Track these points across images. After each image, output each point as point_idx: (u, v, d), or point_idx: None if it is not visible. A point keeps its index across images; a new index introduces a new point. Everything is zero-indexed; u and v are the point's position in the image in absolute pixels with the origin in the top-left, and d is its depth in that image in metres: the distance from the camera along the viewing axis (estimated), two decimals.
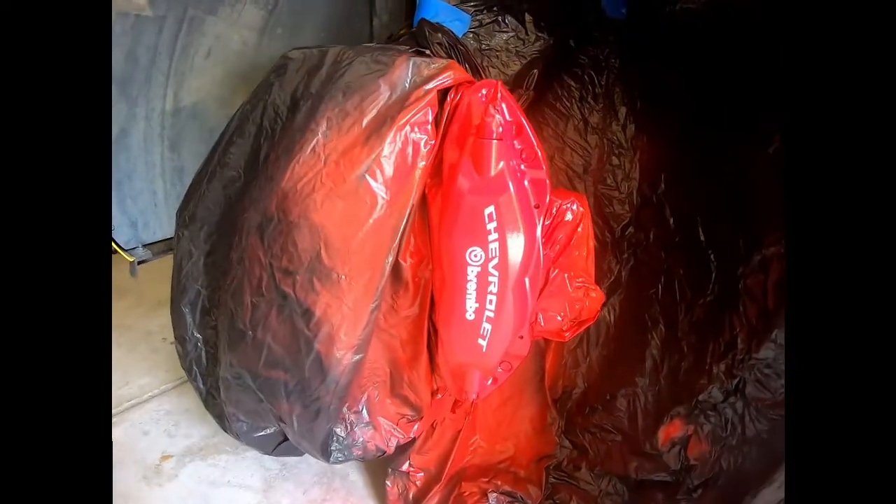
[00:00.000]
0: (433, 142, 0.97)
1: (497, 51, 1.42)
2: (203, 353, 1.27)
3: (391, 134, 0.94)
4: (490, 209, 0.93)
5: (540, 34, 1.41)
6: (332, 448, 1.12)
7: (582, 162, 1.45)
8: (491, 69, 1.43)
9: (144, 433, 1.54)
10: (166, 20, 1.28)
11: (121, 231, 1.46)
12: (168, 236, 1.54)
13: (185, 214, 1.24)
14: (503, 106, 0.92)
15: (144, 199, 1.50)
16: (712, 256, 1.18)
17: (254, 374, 1.07)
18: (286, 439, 1.30)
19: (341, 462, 1.16)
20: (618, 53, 1.40)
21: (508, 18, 1.40)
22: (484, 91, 0.94)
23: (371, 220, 0.97)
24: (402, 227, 0.97)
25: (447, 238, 0.99)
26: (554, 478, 1.37)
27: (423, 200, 1.04)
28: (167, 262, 1.29)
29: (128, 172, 1.44)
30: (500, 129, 0.91)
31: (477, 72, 1.13)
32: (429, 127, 0.97)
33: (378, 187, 0.97)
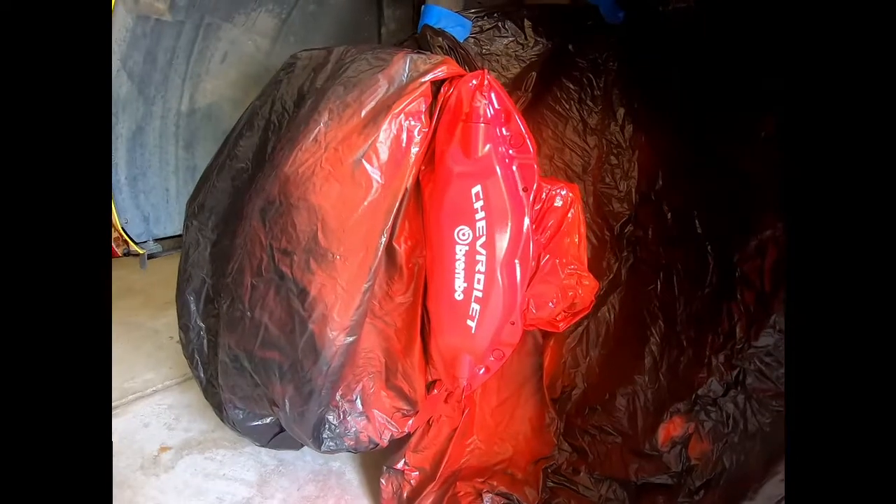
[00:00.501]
0: (426, 130, 1.02)
1: (497, 55, 1.47)
2: (205, 342, 1.29)
3: (387, 122, 0.99)
4: (477, 188, 0.96)
5: (539, 39, 1.47)
6: (323, 435, 1.12)
7: (581, 162, 1.47)
8: (491, 72, 1.47)
9: (145, 425, 1.55)
10: (185, 25, 1.37)
11: (133, 224, 1.52)
12: (178, 233, 1.60)
13: (195, 205, 1.29)
14: (491, 94, 0.96)
15: (157, 195, 1.56)
16: (710, 248, 1.17)
17: (250, 355, 1.09)
18: (282, 430, 1.30)
19: (332, 451, 1.15)
20: (616, 57, 1.44)
21: (508, 24, 1.46)
22: (474, 81, 0.98)
23: (366, 203, 1.00)
24: (395, 209, 1.00)
25: (436, 217, 1.02)
26: (553, 482, 1.33)
27: (418, 187, 1.07)
28: (176, 265, 1.32)
29: (143, 168, 1.50)
30: (488, 113, 0.95)
31: None
32: (422, 116, 1.01)
33: (373, 171, 1.00)
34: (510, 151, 0.99)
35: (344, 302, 1.00)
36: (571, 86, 1.47)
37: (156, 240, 1.57)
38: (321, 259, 1.00)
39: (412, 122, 1.00)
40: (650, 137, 1.38)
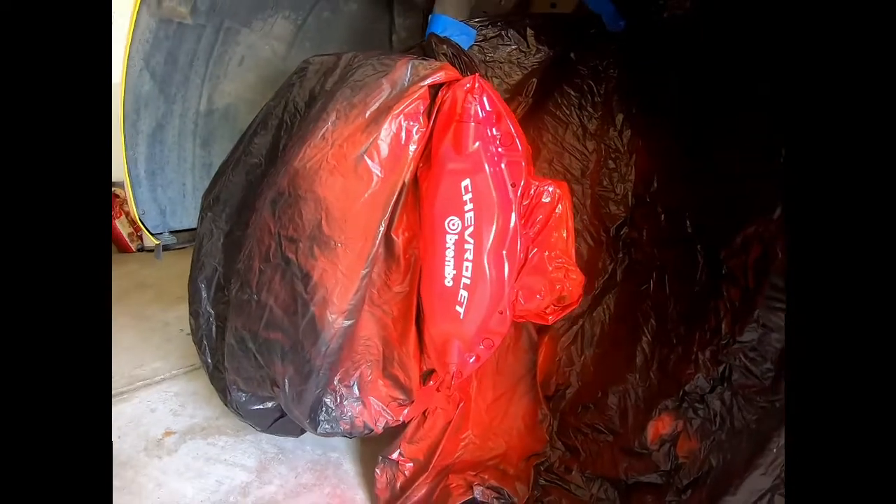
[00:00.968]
0: (424, 129, 1.09)
1: (500, 62, 1.53)
2: (214, 328, 1.35)
3: (388, 121, 1.06)
4: (466, 182, 1.03)
5: (541, 47, 1.52)
6: (320, 417, 1.16)
7: (580, 166, 1.51)
8: (494, 79, 1.53)
9: (151, 410, 1.61)
10: (205, 29, 1.46)
11: (150, 216, 1.59)
12: (193, 226, 1.67)
13: (210, 197, 1.36)
14: (483, 96, 1.03)
15: (174, 190, 1.64)
16: (699, 247, 1.20)
17: (255, 336, 1.14)
18: (282, 415, 1.35)
19: (328, 434, 1.19)
20: (616, 64, 1.49)
21: (511, 32, 1.52)
22: (468, 85, 1.06)
23: (367, 194, 1.06)
24: (393, 200, 1.06)
25: (429, 209, 1.08)
26: (545, 480, 1.35)
27: (416, 182, 1.13)
28: (187, 262, 1.39)
29: (161, 164, 1.58)
30: (479, 114, 1.01)
31: None
32: (421, 117, 1.09)
33: (374, 166, 1.07)
34: (499, 150, 1.05)
35: (343, 286, 1.06)
36: (572, 92, 1.53)
37: (171, 232, 1.64)
38: (324, 246, 1.06)
39: (411, 123, 1.07)
40: (647, 142, 1.42)
